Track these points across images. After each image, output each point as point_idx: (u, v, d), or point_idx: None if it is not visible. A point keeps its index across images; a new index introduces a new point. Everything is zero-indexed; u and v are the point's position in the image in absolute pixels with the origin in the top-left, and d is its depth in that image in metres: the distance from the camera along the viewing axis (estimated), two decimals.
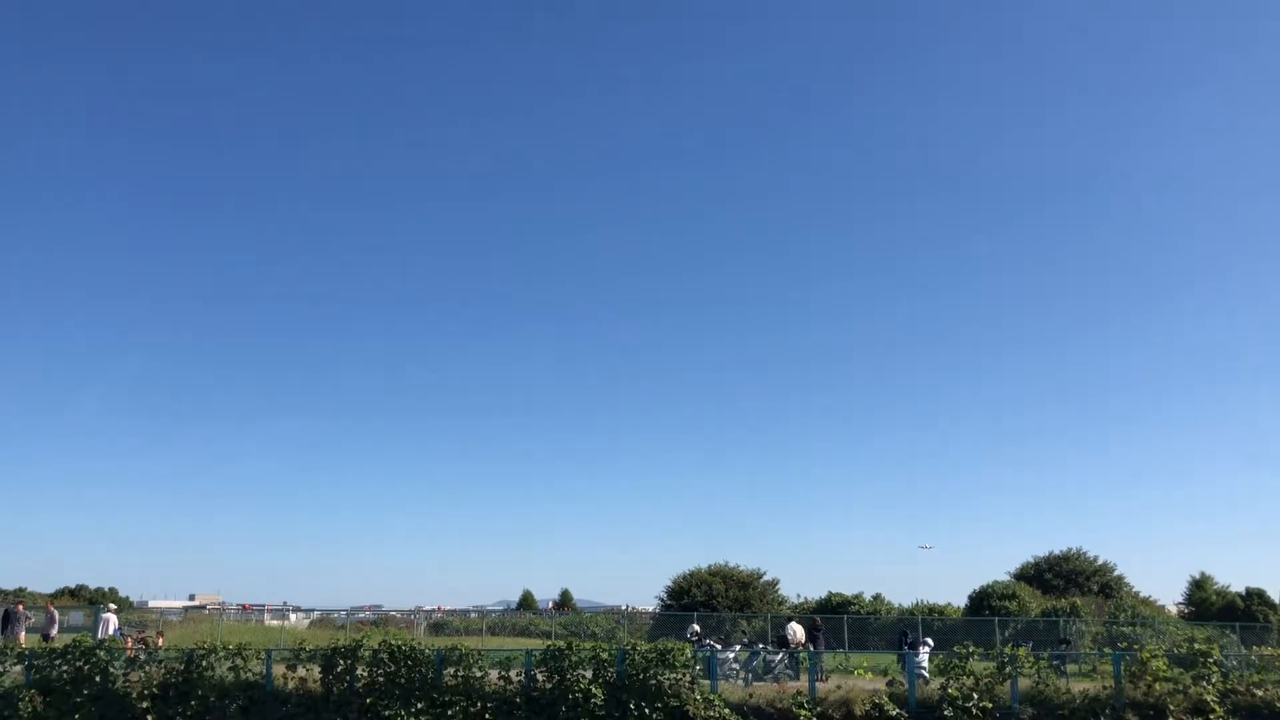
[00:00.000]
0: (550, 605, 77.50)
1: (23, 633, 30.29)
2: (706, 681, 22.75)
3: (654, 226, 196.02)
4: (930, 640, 31.30)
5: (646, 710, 21.24)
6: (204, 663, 22.66)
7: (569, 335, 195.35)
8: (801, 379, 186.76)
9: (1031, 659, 22.64)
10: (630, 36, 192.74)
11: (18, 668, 23.55)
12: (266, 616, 63.84)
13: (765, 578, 60.65)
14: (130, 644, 28.38)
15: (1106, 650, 28.63)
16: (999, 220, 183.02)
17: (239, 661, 22.91)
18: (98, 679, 22.66)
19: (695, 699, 21.64)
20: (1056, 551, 66.98)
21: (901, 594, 74.96)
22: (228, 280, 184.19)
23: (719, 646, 30.38)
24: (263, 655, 23.57)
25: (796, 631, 32.35)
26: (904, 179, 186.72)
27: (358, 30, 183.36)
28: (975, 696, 21.31)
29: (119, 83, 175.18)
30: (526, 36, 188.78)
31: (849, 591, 57.84)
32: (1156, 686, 21.31)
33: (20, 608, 31.92)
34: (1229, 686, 21.51)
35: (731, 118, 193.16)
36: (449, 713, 21.69)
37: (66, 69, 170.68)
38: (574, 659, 21.97)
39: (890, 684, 23.28)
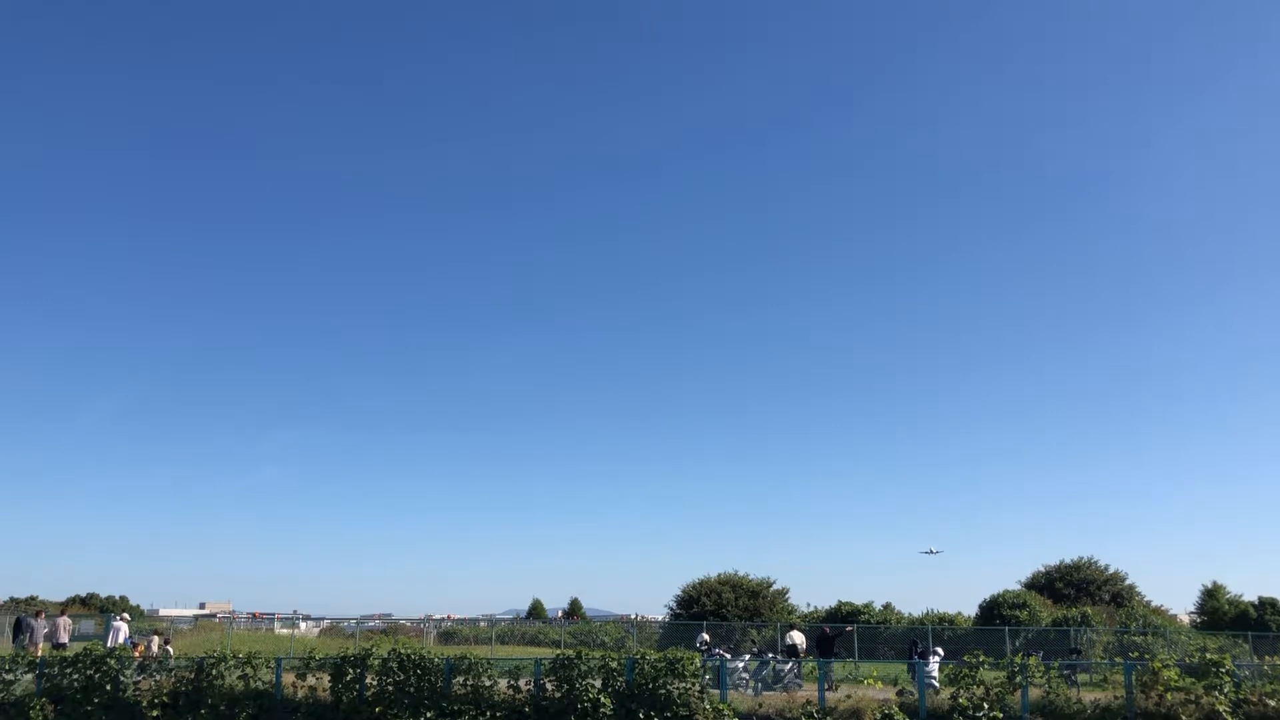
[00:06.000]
0: (560, 614, 77.43)
1: (40, 642, 30.31)
2: (716, 691, 22.74)
3: (656, 234, 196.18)
4: (940, 649, 31.17)
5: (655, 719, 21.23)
6: (214, 671, 22.75)
7: (578, 344, 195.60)
8: (811, 386, 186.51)
9: (1042, 668, 22.58)
10: (638, 41, 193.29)
11: (29, 676, 23.65)
12: (276, 625, 63.95)
13: (775, 586, 60.56)
14: (140, 651, 28.49)
15: (1118, 660, 28.55)
16: (1010, 226, 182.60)
17: (249, 670, 22.99)
18: (108, 687, 22.75)
19: (704, 708, 21.62)
20: (1067, 560, 66.66)
21: (912, 603, 74.78)
22: (238, 289, 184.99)
23: (728, 655, 30.34)
24: (272, 664, 23.64)
25: (797, 638, 32.51)
26: (910, 185, 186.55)
27: (368, 37, 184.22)
28: (985, 706, 21.26)
29: (129, 92, 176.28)
30: (533, 42, 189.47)
31: (859, 600, 57.69)
32: (1168, 696, 21.20)
33: (40, 617, 32.01)
34: (1241, 696, 21.39)
35: (739, 125, 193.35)
36: None
37: (75, 78, 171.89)
38: (583, 668, 21.99)
39: (900, 693, 23.23)
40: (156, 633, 34.44)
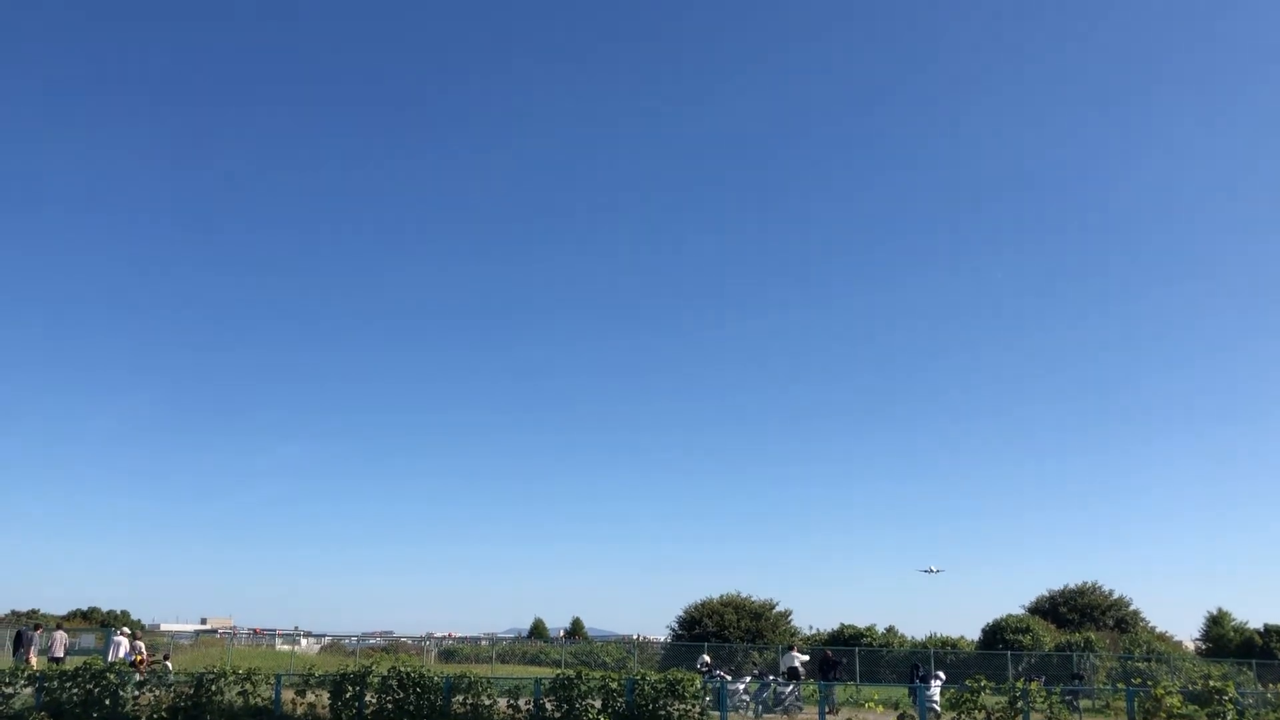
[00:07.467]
0: (561, 633, 77.19)
1: (35, 654, 30.31)
2: (716, 713, 22.67)
3: (656, 248, 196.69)
4: (942, 673, 31.09)
5: None
6: (214, 687, 22.73)
7: (580, 361, 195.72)
8: (812, 400, 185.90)
9: (1044, 694, 22.44)
10: (633, 55, 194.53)
11: (28, 690, 23.64)
12: (277, 641, 63.86)
13: (778, 608, 60.36)
14: (144, 666, 28.43)
15: (1120, 686, 28.39)
16: (1013, 239, 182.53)
17: (248, 686, 22.97)
18: (108, 702, 22.74)
19: None
20: (1071, 585, 66.47)
21: (914, 626, 74.24)
22: (241, 302, 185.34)
23: (729, 677, 30.26)
24: (272, 680, 23.62)
25: (798, 661, 32.48)
26: (909, 195, 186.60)
27: (386, 46, 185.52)
28: None
29: (134, 98, 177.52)
30: (564, 57, 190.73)
31: (861, 623, 57.49)
32: None
33: (39, 630, 32.03)
34: None
35: (740, 138, 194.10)
36: None
37: (79, 84, 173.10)
38: (583, 688, 21.93)
39: (901, 717, 23.05)
40: (136, 637, 34.13)
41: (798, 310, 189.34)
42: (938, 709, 24.59)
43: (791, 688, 28.69)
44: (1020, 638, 53.61)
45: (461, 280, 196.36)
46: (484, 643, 65.48)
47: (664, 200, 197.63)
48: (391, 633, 73.02)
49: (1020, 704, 21.72)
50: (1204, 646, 63.67)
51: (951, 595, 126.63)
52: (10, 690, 23.42)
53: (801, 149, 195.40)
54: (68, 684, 23.09)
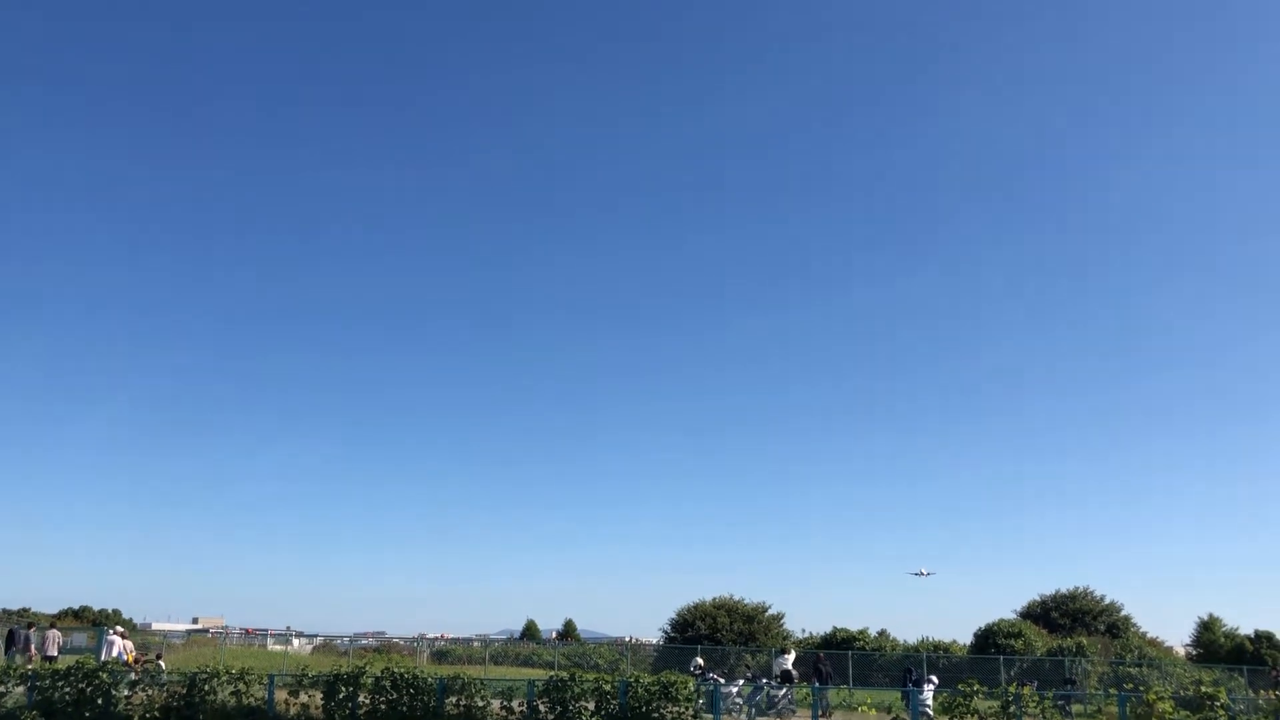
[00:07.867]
0: (554, 635, 77.18)
1: (34, 652, 30.28)
2: (709, 716, 22.70)
3: (655, 251, 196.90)
4: (935, 677, 31.16)
5: None
6: (206, 686, 22.69)
7: (580, 361, 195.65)
8: (810, 405, 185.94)
9: (1036, 698, 22.55)
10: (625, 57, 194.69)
11: (20, 688, 23.58)
12: (270, 641, 63.86)
13: (770, 611, 60.43)
14: (140, 665, 28.39)
15: (1112, 691, 28.49)
16: (1014, 237, 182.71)
17: (241, 686, 22.93)
18: (100, 701, 22.68)
19: None
20: (1063, 590, 66.72)
21: (907, 630, 74.29)
22: (238, 300, 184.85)
23: (722, 680, 30.31)
24: (265, 680, 23.60)
25: (791, 664, 32.47)
26: (908, 194, 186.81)
27: (386, 46, 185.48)
28: None
29: (143, 106, 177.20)
30: (564, 58, 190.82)
31: (854, 627, 57.58)
32: None
33: (32, 629, 31.98)
34: None
35: (739, 137, 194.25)
36: None
37: (77, 84, 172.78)
38: (576, 690, 21.96)
39: None
40: (124, 636, 33.97)
41: (798, 310, 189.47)
42: (930, 713, 24.67)
43: (784, 691, 28.73)
44: (1012, 642, 53.72)
45: (461, 280, 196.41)
46: (477, 644, 65.44)
47: (664, 200, 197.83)
48: (384, 633, 73.06)
49: (1013, 709, 21.80)
50: (1195, 652, 63.89)
51: (943, 599, 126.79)
52: (2, 689, 23.35)
53: (801, 148, 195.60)
54: (60, 683, 23.03)
